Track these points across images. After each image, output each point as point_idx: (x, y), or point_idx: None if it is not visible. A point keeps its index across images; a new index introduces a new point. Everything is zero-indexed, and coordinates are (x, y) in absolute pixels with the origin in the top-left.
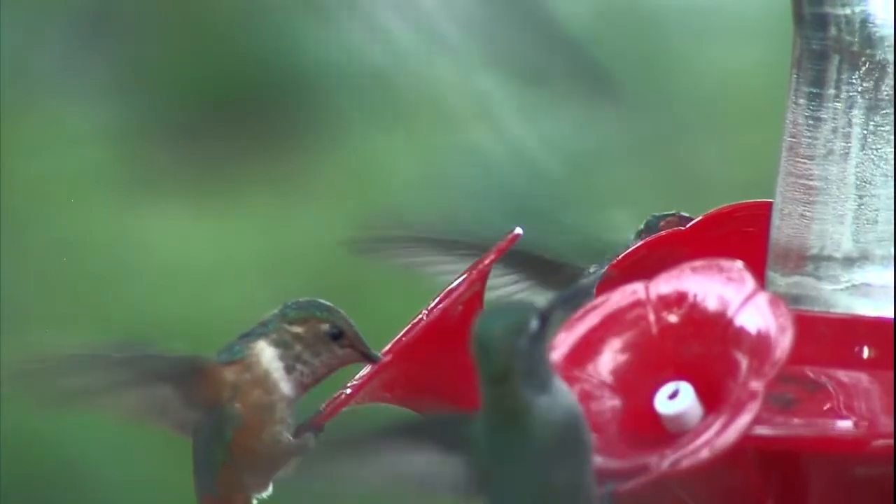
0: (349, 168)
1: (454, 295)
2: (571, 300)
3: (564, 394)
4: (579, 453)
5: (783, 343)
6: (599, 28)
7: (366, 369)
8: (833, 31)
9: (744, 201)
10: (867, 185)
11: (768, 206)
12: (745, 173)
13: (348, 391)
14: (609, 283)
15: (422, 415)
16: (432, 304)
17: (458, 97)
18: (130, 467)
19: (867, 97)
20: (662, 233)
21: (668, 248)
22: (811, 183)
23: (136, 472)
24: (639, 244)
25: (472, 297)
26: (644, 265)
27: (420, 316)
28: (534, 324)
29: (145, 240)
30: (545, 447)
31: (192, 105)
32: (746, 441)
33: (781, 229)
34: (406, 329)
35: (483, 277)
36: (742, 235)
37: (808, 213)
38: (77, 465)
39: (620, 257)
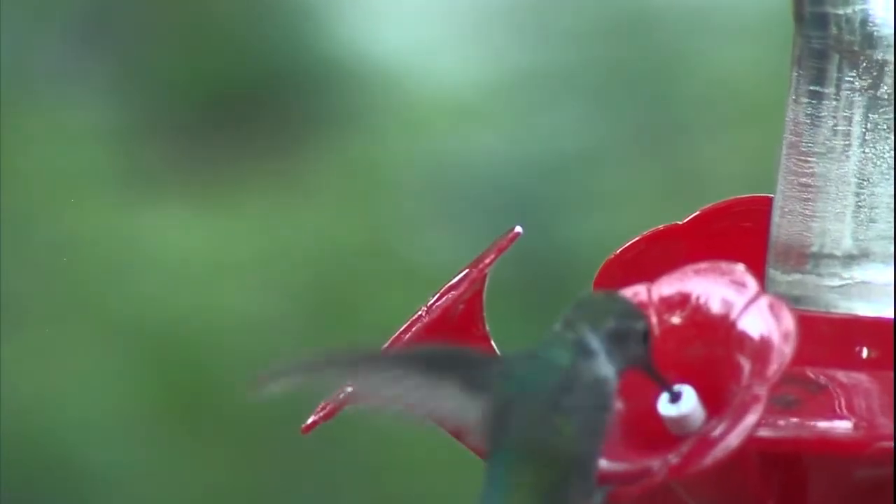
0: (349, 168)
1: (454, 294)
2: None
3: (615, 368)
4: (590, 416)
5: (786, 347)
6: (600, 28)
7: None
8: (833, 30)
9: (741, 196)
10: (867, 184)
11: (766, 201)
12: (745, 172)
13: (349, 389)
14: (611, 281)
15: (447, 348)
16: (431, 302)
17: (458, 96)
18: (131, 466)
19: (867, 96)
20: (660, 227)
21: (666, 242)
22: (811, 181)
23: (136, 469)
24: (637, 238)
25: (473, 295)
26: (642, 259)
27: (419, 314)
28: (645, 334)
29: (145, 239)
30: (560, 385)
31: (191, 105)
32: (749, 443)
33: (782, 227)
34: (405, 327)
35: (483, 276)
36: (740, 230)
37: (808, 211)
38: (77, 465)
39: (619, 251)
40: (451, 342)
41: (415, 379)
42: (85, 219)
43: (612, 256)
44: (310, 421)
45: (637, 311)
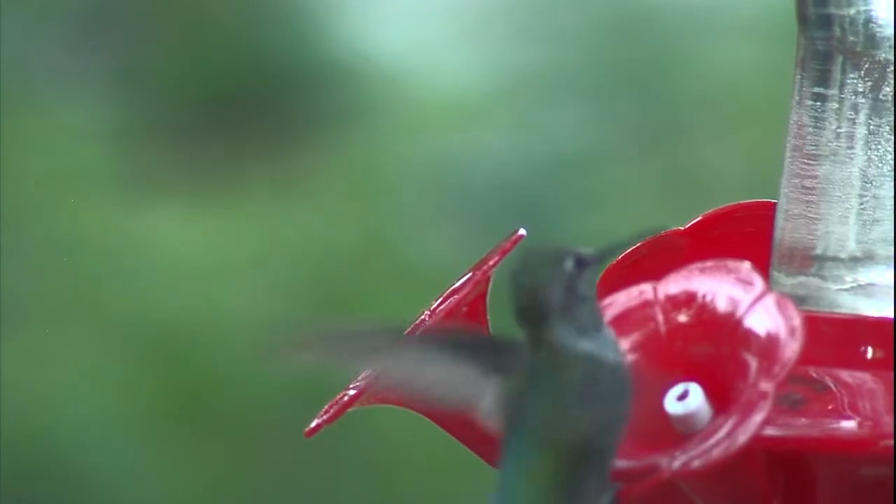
0: (349, 168)
1: (457, 297)
2: (612, 252)
3: (613, 344)
4: (608, 406)
5: (793, 344)
6: (600, 28)
7: (366, 372)
8: (837, 31)
9: (743, 201)
10: (871, 186)
11: (768, 206)
12: (746, 173)
13: (352, 392)
14: (613, 284)
15: (465, 332)
16: (434, 306)
17: (458, 96)
18: (131, 466)
19: (871, 97)
20: (662, 232)
21: (667, 247)
22: (815, 183)
23: (136, 469)
24: (639, 244)
25: (476, 298)
26: (643, 264)
27: (423, 317)
28: (569, 264)
29: (145, 239)
30: (576, 379)
31: (191, 105)
32: (755, 441)
33: (785, 229)
34: (408, 331)
35: (487, 279)
36: (742, 235)
37: (812, 214)
38: (77, 465)
39: (621, 257)
40: (468, 328)
41: (435, 363)
42: (85, 219)
43: (614, 261)
44: (313, 424)
45: (549, 262)
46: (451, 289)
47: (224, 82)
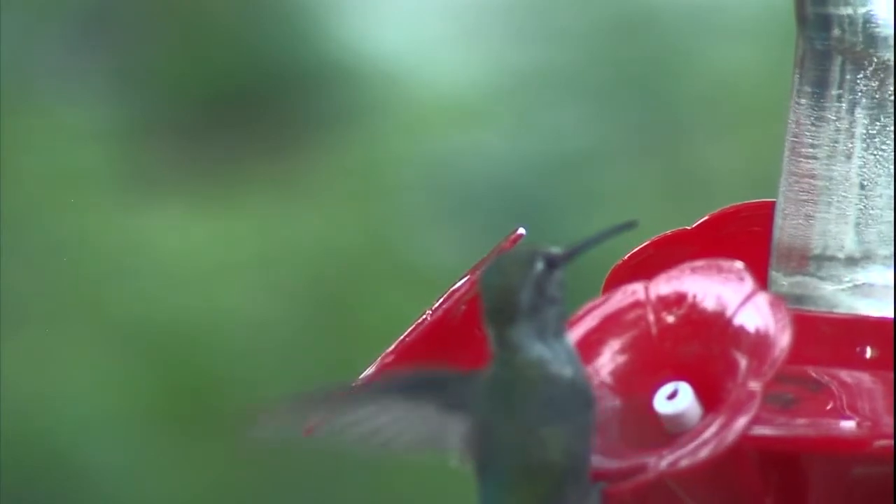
0: (349, 168)
1: (457, 295)
2: (583, 249)
3: (568, 354)
4: (570, 420)
5: (782, 343)
6: (600, 28)
7: (368, 370)
8: (836, 31)
9: (749, 201)
10: (870, 185)
11: (773, 206)
12: (745, 172)
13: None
14: (613, 282)
15: (421, 372)
16: (436, 304)
17: (458, 96)
18: (131, 466)
19: (871, 97)
20: (668, 232)
21: (674, 247)
22: (814, 183)
23: (136, 469)
24: (646, 243)
25: (474, 297)
26: (650, 264)
27: (424, 316)
28: (539, 265)
29: (145, 240)
30: (531, 399)
31: (191, 105)
32: (745, 441)
33: (784, 229)
34: (409, 329)
35: None
36: (748, 235)
37: (810, 213)
38: (77, 465)
39: (627, 256)
40: (422, 364)
41: (392, 410)
42: (85, 219)
43: (620, 262)
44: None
45: (520, 264)
46: (451, 289)
47: (224, 82)
